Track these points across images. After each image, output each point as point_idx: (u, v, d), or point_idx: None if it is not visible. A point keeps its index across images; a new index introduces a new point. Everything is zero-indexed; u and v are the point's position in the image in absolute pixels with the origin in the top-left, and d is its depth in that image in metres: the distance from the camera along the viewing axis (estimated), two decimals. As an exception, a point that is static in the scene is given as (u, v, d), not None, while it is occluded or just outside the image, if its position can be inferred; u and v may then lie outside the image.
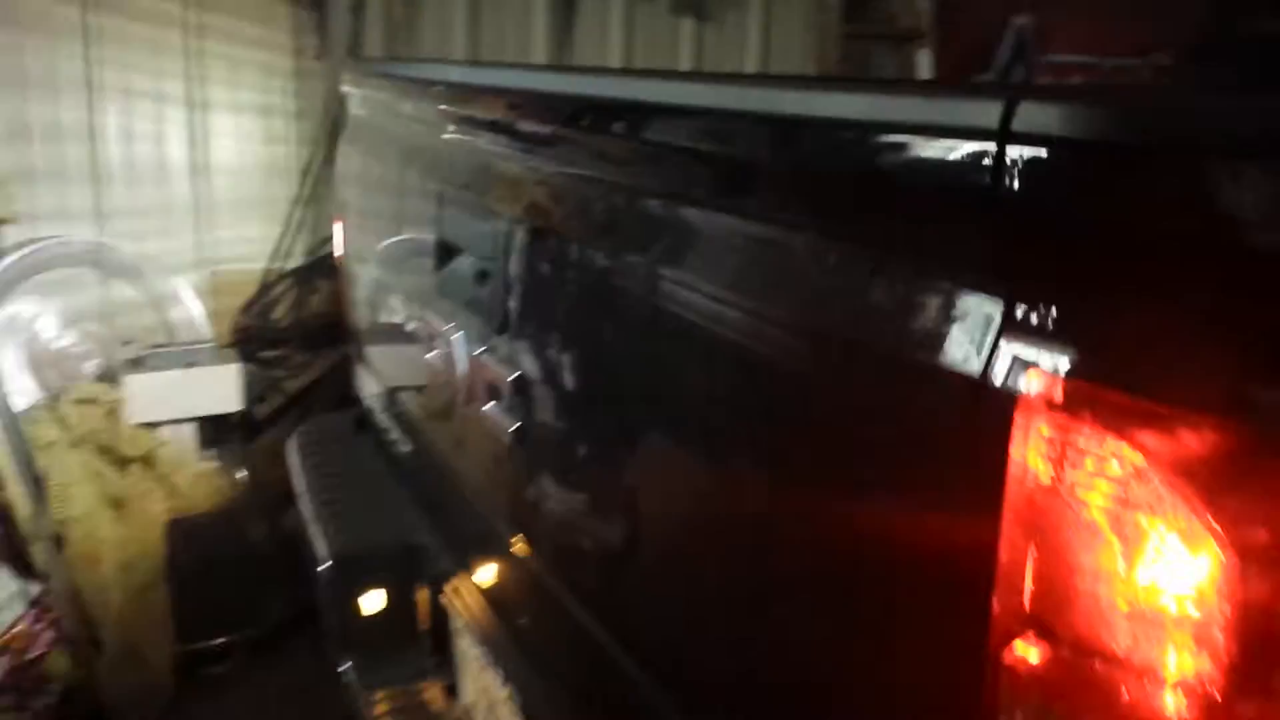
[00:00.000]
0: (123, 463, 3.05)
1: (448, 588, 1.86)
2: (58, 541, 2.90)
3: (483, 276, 1.67)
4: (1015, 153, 0.74)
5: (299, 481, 2.38)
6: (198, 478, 3.20)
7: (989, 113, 0.75)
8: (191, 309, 3.63)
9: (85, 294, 3.54)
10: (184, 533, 3.10)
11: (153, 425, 3.14)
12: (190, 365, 3.23)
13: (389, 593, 2.00)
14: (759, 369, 1.01)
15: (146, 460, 3.09)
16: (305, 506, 2.25)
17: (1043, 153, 0.73)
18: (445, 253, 1.82)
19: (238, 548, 3.22)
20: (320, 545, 2.05)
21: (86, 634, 2.92)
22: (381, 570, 2.00)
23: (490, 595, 1.77)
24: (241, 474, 3.33)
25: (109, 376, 3.27)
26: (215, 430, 3.32)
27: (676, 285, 1.17)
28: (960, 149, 0.78)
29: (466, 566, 1.84)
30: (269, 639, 3.24)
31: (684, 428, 1.21)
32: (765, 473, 1.03)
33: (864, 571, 0.88)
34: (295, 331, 3.83)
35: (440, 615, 1.91)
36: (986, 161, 0.76)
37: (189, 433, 3.24)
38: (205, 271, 3.90)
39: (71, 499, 2.93)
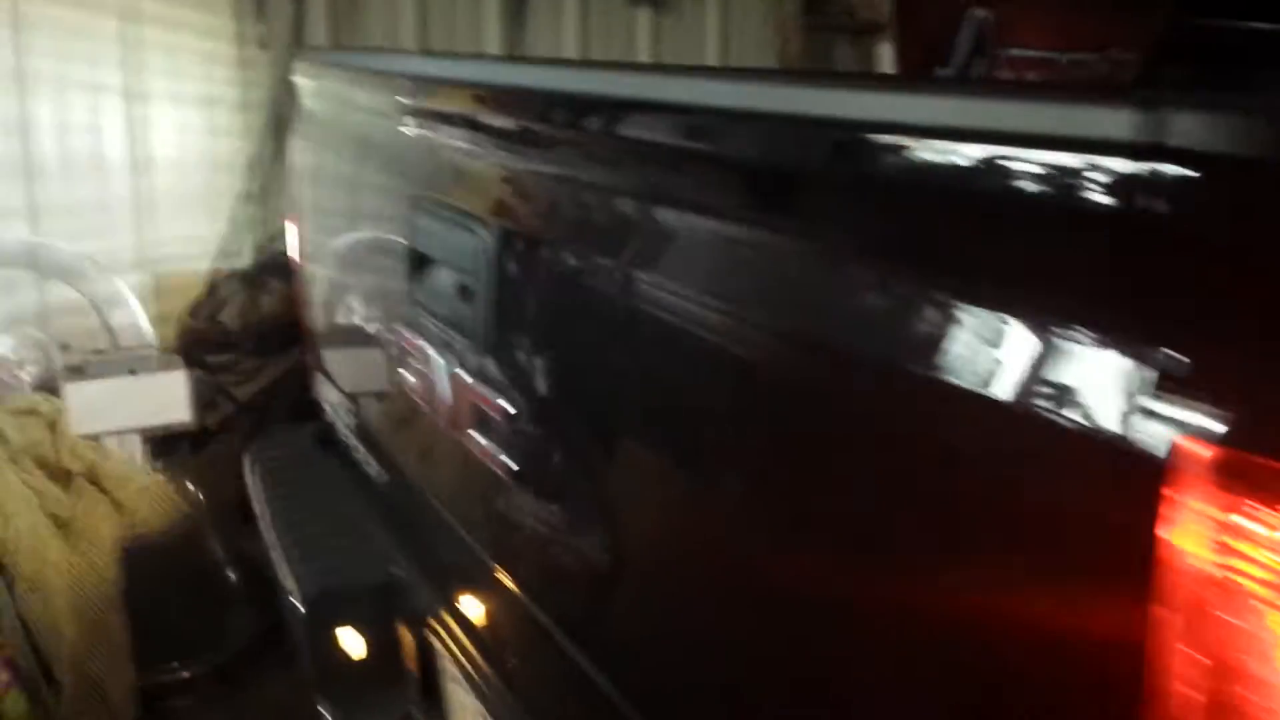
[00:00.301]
0: (66, 479, 2.87)
1: (434, 625, 1.73)
2: (1, 570, 2.71)
3: (464, 289, 1.55)
4: (1166, 171, 0.63)
5: (260, 506, 2.22)
6: (146, 493, 3.02)
7: (1134, 123, 0.64)
8: (135, 312, 3.45)
9: (20, 296, 3.36)
10: (136, 554, 2.90)
11: (95, 437, 2.97)
12: (134, 372, 3.06)
13: (368, 631, 1.85)
14: (821, 412, 0.89)
15: (91, 476, 2.91)
16: (269, 534, 2.09)
17: (1202, 172, 0.62)
18: (418, 259, 1.69)
19: (195, 568, 3.05)
20: (290, 580, 1.90)
21: (42, 671, 2.74)
22: (359, 607, 1.86)
23: (484, 639, 1.64)
24: (192, 488, 3.16)
25: (47, 385, 3.09)
26: (163, 442, 3.15)
27: (710, 310, 1.05)
28: (1096, 167, 0.66)
29: (455, 603, 1.71)
30: (236, 665, 3.06)
31: (721, 466, 1.09)
32: (830, 542, 0.89)
33: (979, 675, 0.75)
34: (246, 335, 3.66)
35: (427, 655, 1.77)
36: (1130, 182, 0.64)
37: (135, 445, 3.07)
38: (148, 272, 3.72)
39: (12, 519, 2.74)
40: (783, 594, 0.98)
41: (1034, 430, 0.69)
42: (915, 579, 0.81)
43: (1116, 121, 0.65)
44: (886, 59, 4.73)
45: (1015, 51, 5.00)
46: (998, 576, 0.73)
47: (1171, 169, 0.62)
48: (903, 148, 0.80)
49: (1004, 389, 0.71)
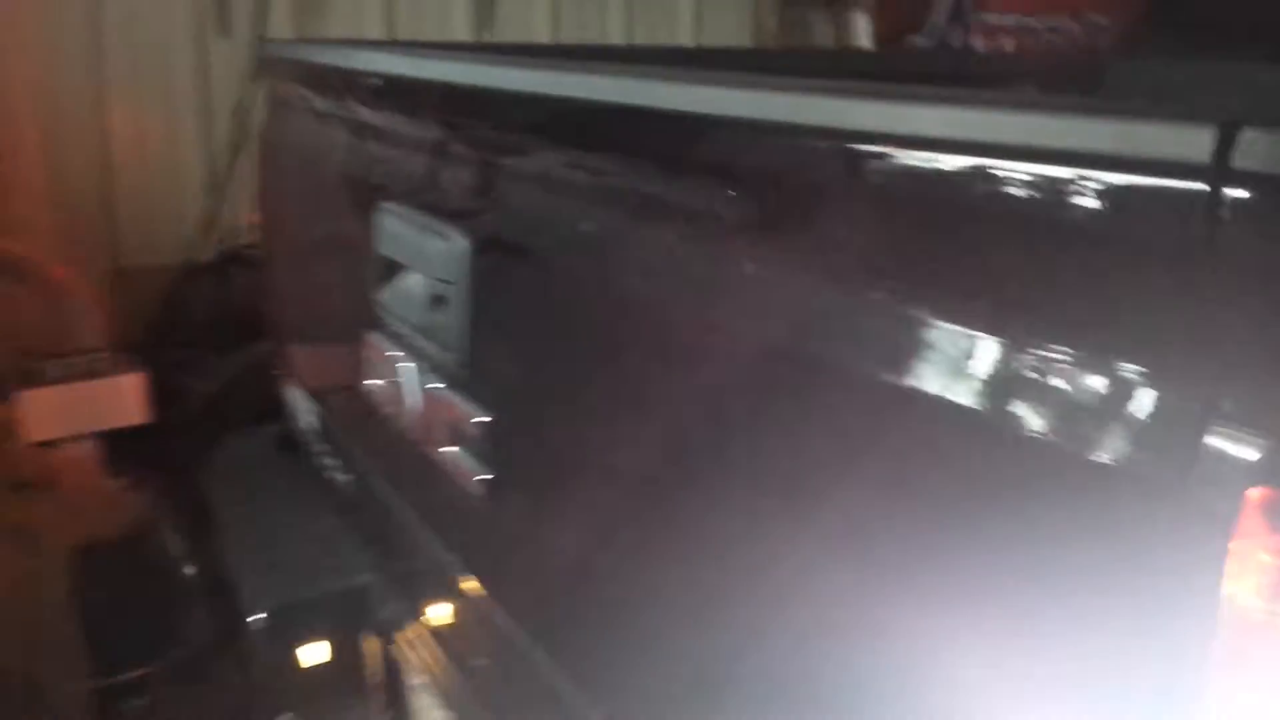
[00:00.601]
0: (21, 488, 2.78)
1: (402, 636, 1.67)
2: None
3: (434, 292, 1.48)
4: (1236, 196, 0.56)
5: (221, 512, 2.14)
6: (106, 497, 2.94)
7: (1197, 142, 0.56)
8: (94, 311, 3.33)
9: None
10: (93, 558, 2.86)
11: (53, 443, 2.88)
12: (91, 376, 2.97)
13: (332, 643, 1.79)
14: (854, 449, 0.81)
15: (47, 482, 2.82)
16: (230, 542, 2.01)
17: (1276, 197, 0.55)
18: (387, 261, 1.61)
19: (153, 570, 2.99)
20: (251, 593, 1.82)
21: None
22: (322, 618, 1.79)
23: (454, 649, 1.58)
24: (151, 489, 3.08)
25: (2, 391, 2.99)
26: (121, 442, 3.06)
27: (688, 320, 1.00)
28: (1156, 190, 0.59)
29: (423, 613, 1.65)
30: (193, 665, 3.00)
31: (701, 476, 1.03)
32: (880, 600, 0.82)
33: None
34: (208, 333, 3.55)
35: (394, 666, 1.71)
36: (1194, 207, 0.57)
37: (93, 447, 2.97)
38: (109, 268, 3.61)
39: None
40: (771, 605, 0.93)
41: (1093, 475, 0.62)
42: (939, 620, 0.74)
43: (1187, 140, 0.57)
44: (863, 30, 4.66)
45: (992, 18, 4.93)
46: (1047, 636, 0.66)
47: (1244, 193, 0.55)
48: (936, 165, 0.72)
49: (1060, 433, 0.63)
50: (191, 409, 3.38)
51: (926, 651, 0.76)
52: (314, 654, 1.79)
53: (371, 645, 1.79)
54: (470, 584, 1.54)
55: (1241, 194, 0.56)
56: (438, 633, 1.62)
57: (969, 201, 0.70)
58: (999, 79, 2.48)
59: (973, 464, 0.70)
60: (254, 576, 1.88)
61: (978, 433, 0.69)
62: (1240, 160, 0.55)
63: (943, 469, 0.73)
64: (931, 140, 0.71)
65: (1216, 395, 0.57)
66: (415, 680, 1.65)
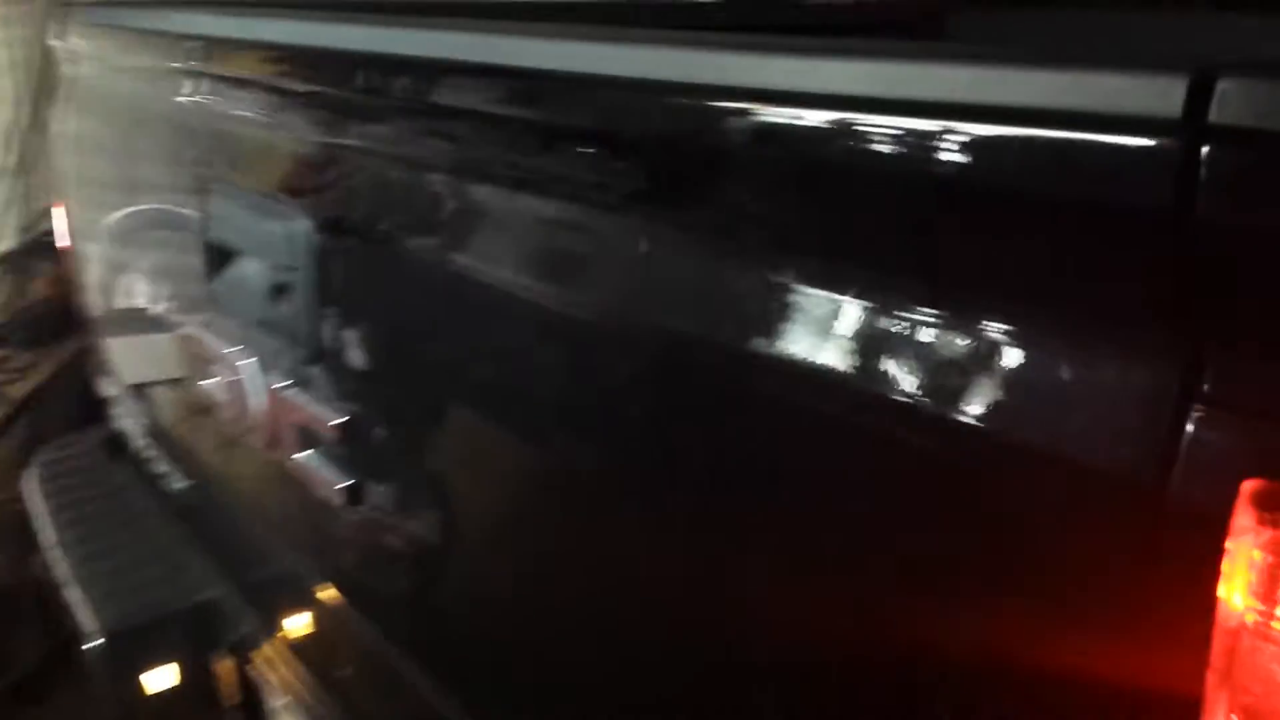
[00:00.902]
0: None
1: (258, 654, 1.56)
2: None
3: (281, 288, 1.35)
4: (1213, 155, 0.50)
5: (44, 525, 1.97)
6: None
7: (1169, 95, 0.50)
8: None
9: None
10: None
11: None
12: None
13: (181, 666, 1.66)
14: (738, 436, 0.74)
15: None
16: (58, 560, 1.85)
17: (1257, 155, 0.50)
18: (222, 251, 1.47)
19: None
20: (85, 614, 1.67)
21: None
22: (170, 640, 1.65)
23: (316, 664, 1.48)
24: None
25: None
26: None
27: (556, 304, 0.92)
28: (1124, 149, 0.53)
29: (280, 628, 1.54)
30: (27, 685, 2.82)
31: (568, 472, 0.97)
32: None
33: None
34: (14, 327, 3.29)
35: (251, 688, 1.60)
36: (1167, 168, 0.51)
37: (-107, 461, 2.74)
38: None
39: None
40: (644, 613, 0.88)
41: (1057, 468, 0.56)
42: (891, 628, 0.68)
43: (1158, 93, 0.51)
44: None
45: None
46: (1018, 649, 0.60)
47: (1221, 150, 0.50)
48: (847, 127, 0.65)
49: (1021, 423, 0.57)
50: (3, 415, 3.14)
51: (879, 668, 0.70)
52: (162, 678, 1.65)
53: (226, 666, 1.66)
54: (328, 593, 1.44)
55: (1224, 152, 0.50)
56: (297, 647, 1.51)
57: (897, 164, 0.63)
58: (842, 28, 2.44)
59: (919, 463, 0.63)
60: (88, 595, 1.73)
61: (920, 426, 0.62)
62: (1220, 114, 0.49)
63: (879, 466, 0.67)
64: (876, 100, 0.63)
65: (1202, 373, 0.51)
66: (277, 701, 1.53)
